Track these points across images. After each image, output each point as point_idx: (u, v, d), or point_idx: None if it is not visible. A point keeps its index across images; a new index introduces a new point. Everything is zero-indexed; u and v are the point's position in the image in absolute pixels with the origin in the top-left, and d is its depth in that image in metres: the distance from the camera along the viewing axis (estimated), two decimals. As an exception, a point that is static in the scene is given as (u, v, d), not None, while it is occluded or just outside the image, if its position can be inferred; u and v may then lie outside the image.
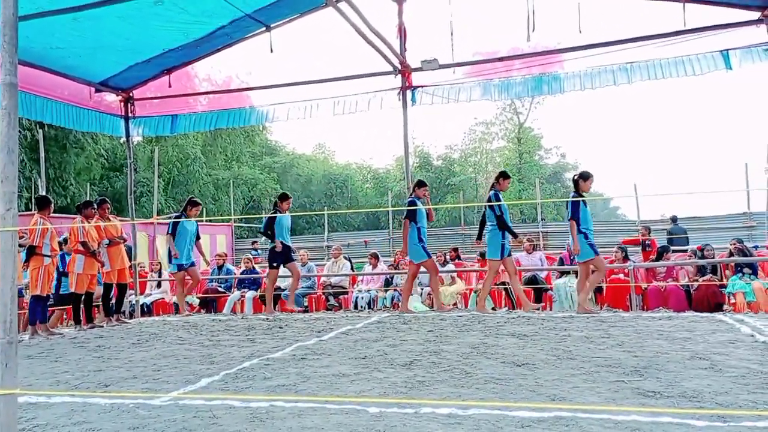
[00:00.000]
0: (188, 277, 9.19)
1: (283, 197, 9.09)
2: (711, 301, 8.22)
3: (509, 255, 7.83)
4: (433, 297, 8.60)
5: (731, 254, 8.75)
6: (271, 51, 8.73)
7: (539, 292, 9.69)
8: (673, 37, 7.79)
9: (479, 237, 8.30)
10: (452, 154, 35.48)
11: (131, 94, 10.32)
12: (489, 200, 7.80)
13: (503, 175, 8.08)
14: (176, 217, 9.18)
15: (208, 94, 10.65)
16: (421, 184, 8.39)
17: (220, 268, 11.42)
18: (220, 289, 11.10)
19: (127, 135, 10.56)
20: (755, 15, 7.39)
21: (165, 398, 3.60)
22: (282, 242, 8.68)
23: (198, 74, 10.54)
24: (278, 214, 8.76)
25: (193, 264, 9.13)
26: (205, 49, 9.39)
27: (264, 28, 8.92)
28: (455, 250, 12.28)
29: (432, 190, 31.64)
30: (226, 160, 29.52)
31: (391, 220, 22.73)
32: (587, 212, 7.50)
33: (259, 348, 5.35)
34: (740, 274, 8.39)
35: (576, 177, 7.67)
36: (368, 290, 10.73)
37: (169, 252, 8.87)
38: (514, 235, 7.79)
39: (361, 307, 10.37)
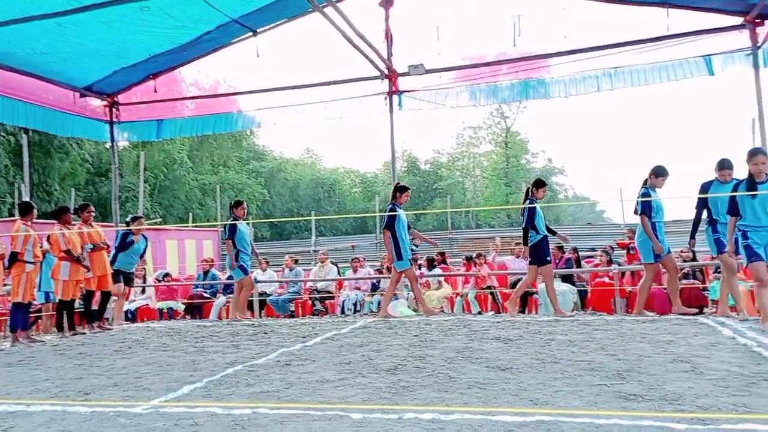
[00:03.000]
0: None
1: (539, 183, 7.83)
2: (694, 304, 8.28)
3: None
4: (638, 301, 7.32)
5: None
6: (258, 56, 8.72)
7: (525, 296, 9.73)
8: (656, 42, 7.87)
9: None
10: (440, 158, 35.57)
11: (116, 99, 10.27)
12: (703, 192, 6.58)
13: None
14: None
15: (194, 99, 10.62)
16: (659, 172, 6.89)
17: (206, 273, 11.36)
18: (205, 294, 11.03)
19: (112, 140, 10.51)
20: (738, 20, 7.49)
21: (146, 406, 3.56)
22: (545, 235, 7.58)
23: (185, 79, 10.51)
24: (537, 204, 7.61)
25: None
26: (191, 54, 9.37)
27: (250, 33, 8.91)
28: (441, 254, 12.28)
29: (419, 194, 31.72)
30: (213, 165, 29.39)
31: (378, 225, 22.73)
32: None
33: (244, 354, 5.32)
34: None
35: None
36: (355, 294, 10.73)
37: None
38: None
39: (348, 310, 10.37)
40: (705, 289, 8.58)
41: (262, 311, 10.57)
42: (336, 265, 11.57)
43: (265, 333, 6.77)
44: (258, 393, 3.76)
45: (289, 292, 10.90)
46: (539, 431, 2.81)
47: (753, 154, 5.73)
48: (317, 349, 5.46)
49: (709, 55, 7.86)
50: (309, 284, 11.14)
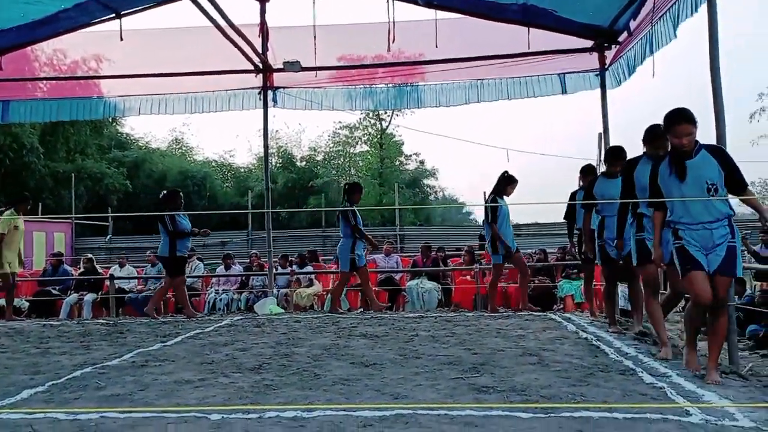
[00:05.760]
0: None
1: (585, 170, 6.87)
2: (545, 301, 8.98)
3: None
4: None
5: (559, 259, 9.66)
6: (121, 39, 8.14)
7: (394, 293, 10.00)
8: (519, 58, 8.40)
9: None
10: (316, 156, 35.45)
11: (-45, 76, 9.14)
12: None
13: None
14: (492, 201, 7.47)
15: (47, 80, 9.71)
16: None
17: (55, 268, 10.46)
18: (54, 291, 10.14)
19: (-54, 119, 9.34)
20: (589, 43, 8.19)
21: (-24, 414, 3.22)
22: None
23: (39, 58, 9.57)
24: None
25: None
26: (45, 32, 8.55)
27: (113, 15, 8.31)
28: (313, 251, 12.28)
29: (294, 191, 31.44)
30: (68, 152, 27.08)
31: (250, 221, 22.20)
32: None
33: (94, 355, 4.97)
34: (567, 279, 9.27)
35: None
36: (224, 291, 10.43)
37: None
38: None
39: (220, 310, 10.06)
40: (554, 287, 9.32)
41: (120, 310, 9.94)
42: (202, 261, 11.18)
43: (121, 333, 6.36)
44: (108, 396, 3.54)
45: (150, 289, 10.34)
46: (397, 424, 2.91)
47: (673, 121, 3.86)
48: (178, 348, 5.24)
49: (563, 73, 8.54)
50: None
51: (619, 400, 3.29)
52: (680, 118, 3.82)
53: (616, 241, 5.24)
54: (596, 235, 5.80)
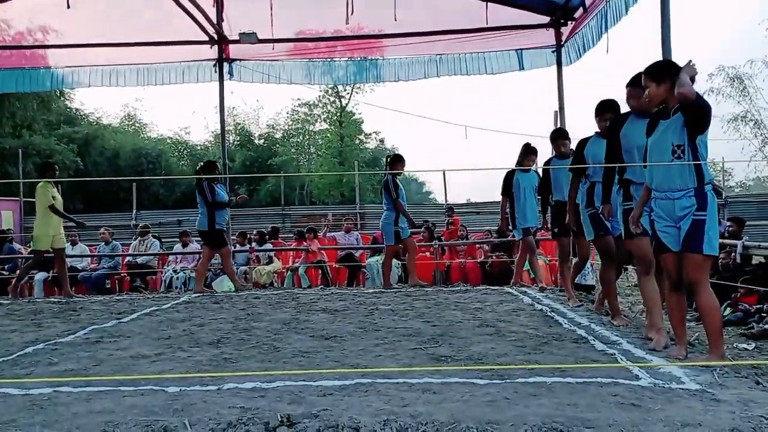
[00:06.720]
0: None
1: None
2: (503, 276, 9.14)
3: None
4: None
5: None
6: (68, 6, 7.79)
7: (354, 269, 10.02)
8: (476, 33, 8.41)
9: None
10: (275, 133, 34.96)
11: None
12: None
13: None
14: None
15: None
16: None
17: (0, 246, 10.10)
18: (3, 273, 9.81)
19: None
20: (545, 19, 8.25)
21: None
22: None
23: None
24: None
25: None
26: (-15, -2, 8.13)
27: (59, -20, 7.94)
28: (275, 228, 12.20)
29: (253, 169, 31.01)
30: (14, 128, 25.99)
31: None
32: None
33: (47, 332, 4.84)
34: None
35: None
36: (182, 270, 10.25)
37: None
38: None
39: (176, 287, 9.90)
40: (512, 262, 9.47)
41: (73, 289, 9.66)
42: (159, 239, 10.96)
43: (74, 310, 6.20)
44: (62, 371, 3.46)
45: (104, 268, 10.10)
46: (357, 392, 2.93)
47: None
48: (134, 325, 5.15)
49: (521, 49, 8.59)
50: (128, 259, 10.43)
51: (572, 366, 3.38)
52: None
53: (601, 209, 4.56)
54: (584, 204, 5.00)
